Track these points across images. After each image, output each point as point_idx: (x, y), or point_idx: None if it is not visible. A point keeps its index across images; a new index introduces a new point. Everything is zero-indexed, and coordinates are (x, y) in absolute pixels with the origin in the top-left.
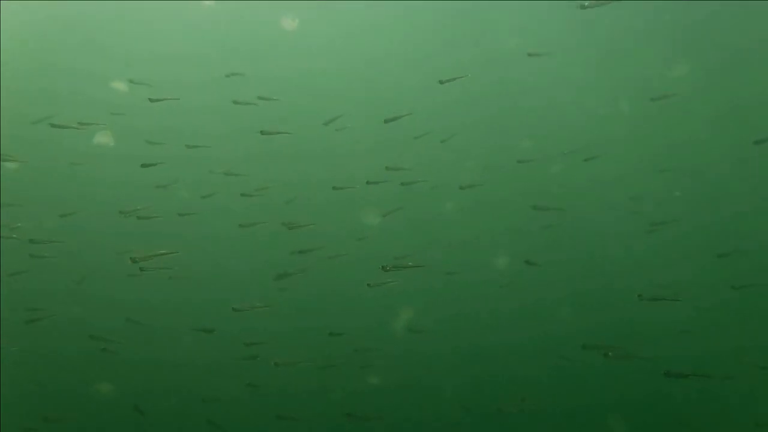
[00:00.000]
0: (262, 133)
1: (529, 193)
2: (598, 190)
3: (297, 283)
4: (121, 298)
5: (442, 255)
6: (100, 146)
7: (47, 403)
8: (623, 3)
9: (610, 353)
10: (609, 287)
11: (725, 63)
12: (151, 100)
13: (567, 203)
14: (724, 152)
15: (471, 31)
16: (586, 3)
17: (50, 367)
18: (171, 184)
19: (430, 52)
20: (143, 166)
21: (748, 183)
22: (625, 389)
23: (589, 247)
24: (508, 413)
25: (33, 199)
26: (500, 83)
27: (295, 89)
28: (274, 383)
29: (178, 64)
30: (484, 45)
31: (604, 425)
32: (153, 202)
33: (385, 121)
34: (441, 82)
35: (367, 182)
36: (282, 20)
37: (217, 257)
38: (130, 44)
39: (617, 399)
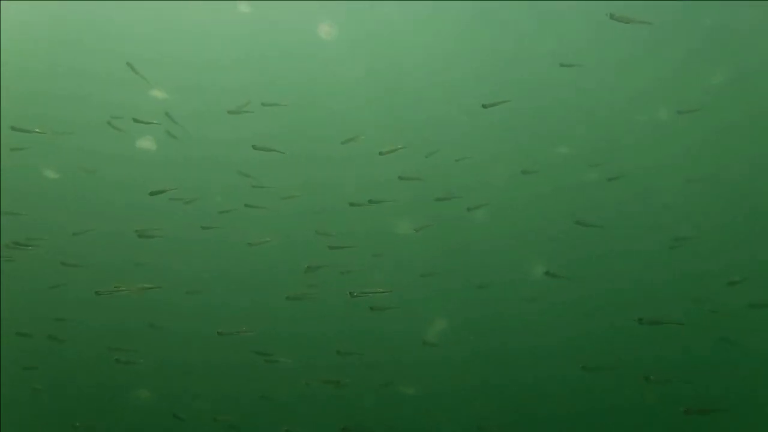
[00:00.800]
0: (290, 139)
1: (563, 203)
2: (632, 202)
3: (326, 291)
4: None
5: (473, 267)
6: (144, 151)
7: (76, 410)
8: (660, 10)
9: (651, 377)
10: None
11: (764, 71)
12: (185, 107)
13: (604, 218)
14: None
15: (504, 40)
16: (614, 15)
17: (75, 376)
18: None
19: (460, 59)
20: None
21: None
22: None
23: (622, 258)
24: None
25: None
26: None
27: (329, 96)
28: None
29: (210, 71)
30: (516, 53)
31: None
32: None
33: (420, 128)
34: (484, 106)
35: (400, 192)
36: (319, 27)
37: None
38: (163, 50)
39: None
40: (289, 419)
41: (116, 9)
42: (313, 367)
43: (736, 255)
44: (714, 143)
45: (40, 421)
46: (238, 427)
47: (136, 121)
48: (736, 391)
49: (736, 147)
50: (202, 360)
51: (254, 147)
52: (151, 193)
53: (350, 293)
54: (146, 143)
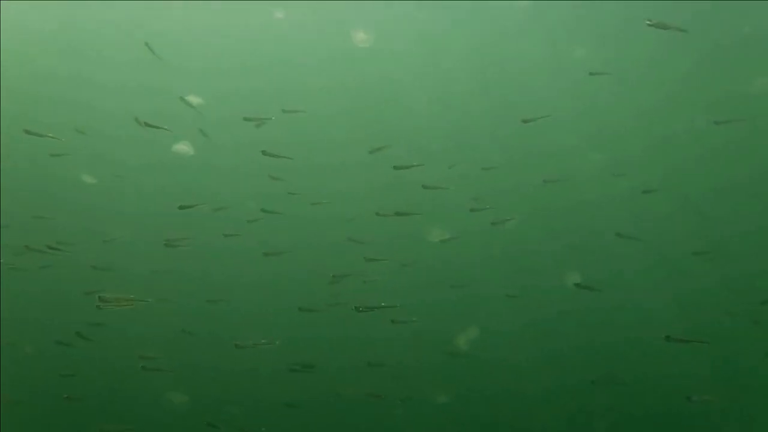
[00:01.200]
0: (319, 147)
1: (595, 212)
2: (667, 212)
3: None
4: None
5: (504, 276)
6: (180, 155)
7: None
8: (696, 17)
9: (694, 397)
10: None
11: None
12: (218, 113)
13: (639, 227)
14: None
15: (533, 47)
16: (651, 21)
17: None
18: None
19: (490, 67)
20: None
21: None
22: None
23: (656, 269)
24: None
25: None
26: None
27: (366, 104)
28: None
29: (244, 76)
30: (547, 61)
31: None
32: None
33: (453, 136)
34: (524, 122)
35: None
36: (354, 33)
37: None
38: (198, 56)
39: None
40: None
41: (152, 14)
42: (344, 377)
43: None
44: (751, 152)
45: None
46: None
47: (146, 125)
48: None
49: None
50: (232, 368)
51: (264, 153)
52: (181, 207)
53: (356, 308)
54: (183, 148)
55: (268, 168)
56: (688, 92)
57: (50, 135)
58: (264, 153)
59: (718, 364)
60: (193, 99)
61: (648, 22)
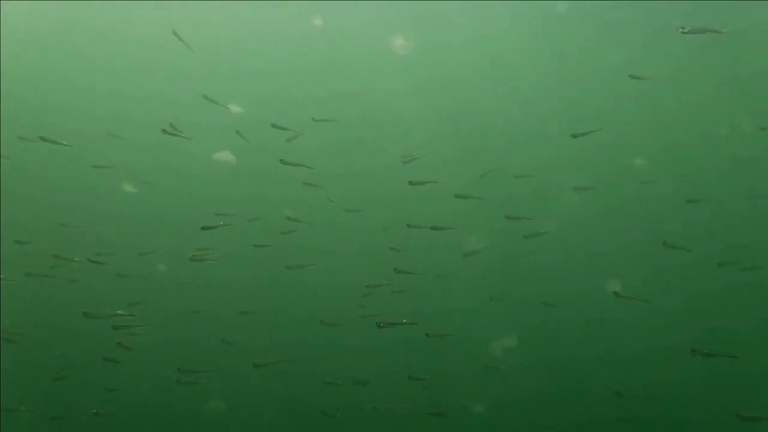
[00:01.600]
0: (356, 153)
1: (637, 218)
2: (708, 219)
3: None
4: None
5: (541, 286)
6: (221, 163)
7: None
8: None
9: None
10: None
11: None
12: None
13: (680, 236)
14: None
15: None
16: (686, 28)
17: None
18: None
19: (527, 72)
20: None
21: None
22: None
23: (697, 279)
24: None
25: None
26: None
27: (404, 111)
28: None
29: (284, 84)
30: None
31: None
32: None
33: (488, 140)
34: (574, 136)
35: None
36: (393, 41)
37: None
38: (238, 64)
39: None
40: None
41: (193, 23)
42: (382, 388)
43: None
44: None
45: None
46: None
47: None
48: None
49: None
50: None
51: (282, 162)
52: (203, 228)
53: (378, 324)
54: (224, 156)
55: (302, 175)
56: (732, 96)
57: (64, 142)
58: (282, 162)
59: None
60: (233, 108)
61: (682, 30)
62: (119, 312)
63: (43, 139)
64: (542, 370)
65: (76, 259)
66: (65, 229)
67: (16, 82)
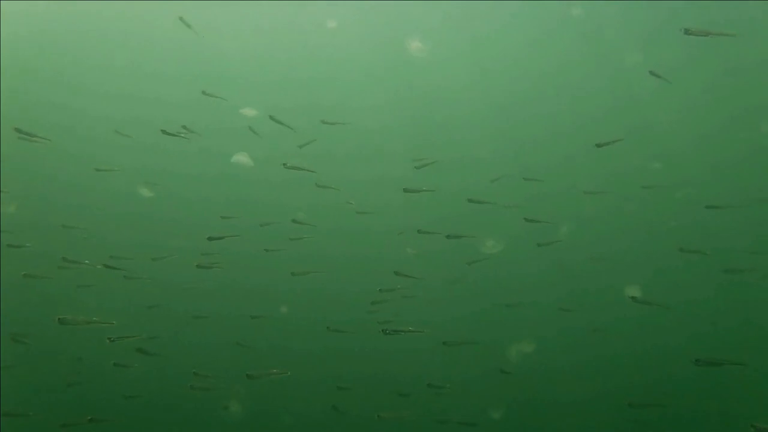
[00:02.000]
0: (368, 156)
1: (657, 224)
2: (729, 225)
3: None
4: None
5: (560, 292)
6: (239, 166)
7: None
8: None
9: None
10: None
11: None
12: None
13: (701, 242)
14: None
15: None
16: (690, 30)
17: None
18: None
19: (544, 75)
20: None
21: None
22: None
23: (718, 285)
24: None
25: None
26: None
27: (417, 113)
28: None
29: (298, 87)
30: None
31: None
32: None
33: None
34: (598, 146)
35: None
36: (410, 43)
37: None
38: (251, 67)
39: None
40: None
41: (205, 27)
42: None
43: None
44: None
45: None
46: None
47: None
48: None
49: None
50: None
51: (285, 166)
52: (210, 239)
53: (383, 330)
54: (242, 159)
55: (312, 179)
56: (752, 101)
57: (40, 135)
58: (285, 166)
59: None
60: (248, 111)
61: (684, 31)
62: (95, 319)
63: (17, 130)
64: (558, 375)
65: (87, 261)
66: (73, 231)
67: (15, 81)
